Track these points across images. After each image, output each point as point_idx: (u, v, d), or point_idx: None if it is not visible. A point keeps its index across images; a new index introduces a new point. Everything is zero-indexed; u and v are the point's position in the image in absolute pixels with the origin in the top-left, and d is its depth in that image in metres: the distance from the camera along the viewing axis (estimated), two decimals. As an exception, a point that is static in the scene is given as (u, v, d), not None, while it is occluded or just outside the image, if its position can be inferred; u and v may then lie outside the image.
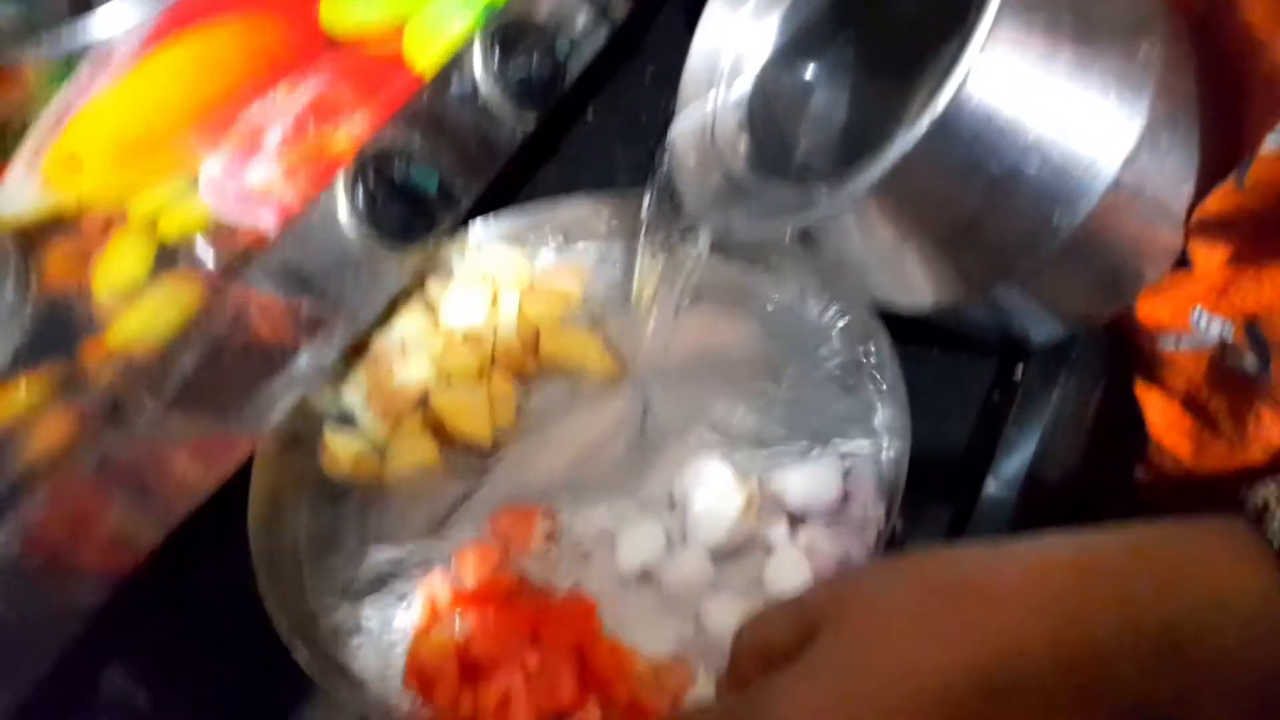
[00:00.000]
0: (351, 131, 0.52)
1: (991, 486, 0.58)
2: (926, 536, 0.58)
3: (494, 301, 0.69)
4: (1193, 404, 0.57)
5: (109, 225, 0.47)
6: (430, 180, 0.55)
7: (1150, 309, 0.56)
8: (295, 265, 0.49)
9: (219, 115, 0.52)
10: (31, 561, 0.41)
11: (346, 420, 0.66)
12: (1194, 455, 0.57)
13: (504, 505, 0.61)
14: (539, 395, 0.67)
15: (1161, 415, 0.58)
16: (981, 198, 0.50)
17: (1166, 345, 0.57)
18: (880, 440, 0.60)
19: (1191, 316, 0.54)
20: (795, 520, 0.58)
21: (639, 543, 0.57)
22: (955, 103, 0.46)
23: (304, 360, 0.51)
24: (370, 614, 0.58)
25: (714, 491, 0.58)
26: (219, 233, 0.47)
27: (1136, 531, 0.38)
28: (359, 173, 0.52)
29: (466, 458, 0.64)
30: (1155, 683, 0.34)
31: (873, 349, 0.62)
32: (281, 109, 0.52)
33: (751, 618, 0.43)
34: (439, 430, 0.64)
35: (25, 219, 0.48)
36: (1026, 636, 0.35)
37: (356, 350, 0.68)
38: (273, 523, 0.59)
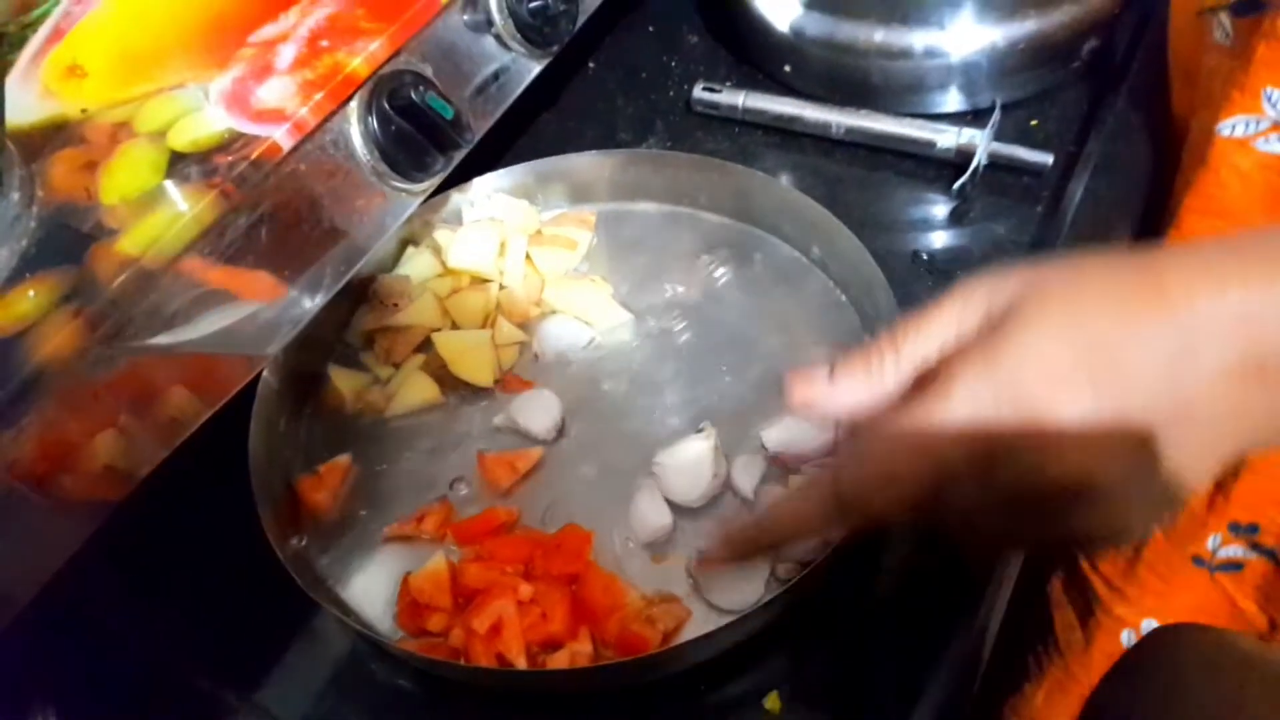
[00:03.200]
0: (367, 53, 0.50)
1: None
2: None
3: (501, 250, 0.68)
4: None
5: (116, 135, 0.46)
6: (445, 108, 0.53)
7: None
8: (306, 181, 0.48)
9: (229, 31, 0.50)
10: (30, 473, 0.40)
11: (350, 357, 0.66)
12: None
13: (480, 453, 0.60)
14: (541, 341, 0.66)
15: None
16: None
17: None
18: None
19: None
20: (790, 468, 0.57)
21: (649, 515, 0.57)
22: None
23: (308, 283, 0.49)
24: (366, 545, 0.58)
25: (689, 457, 0.57)
26: (230, 144, 0.45)
27: None
28: (374, 95, 0.50)
29: (468, 398, 0.64)
30: None
31: (874, 304, 0.62)
32: (296, 27, 0.50)
33: (904, 324, 0.38)
34: (441, 372, 0.63)
35: (25, 126, 0.46)
36: None
37: (362, 289, 0.67)
38: (273, 455, 0.58)
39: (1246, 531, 0.65)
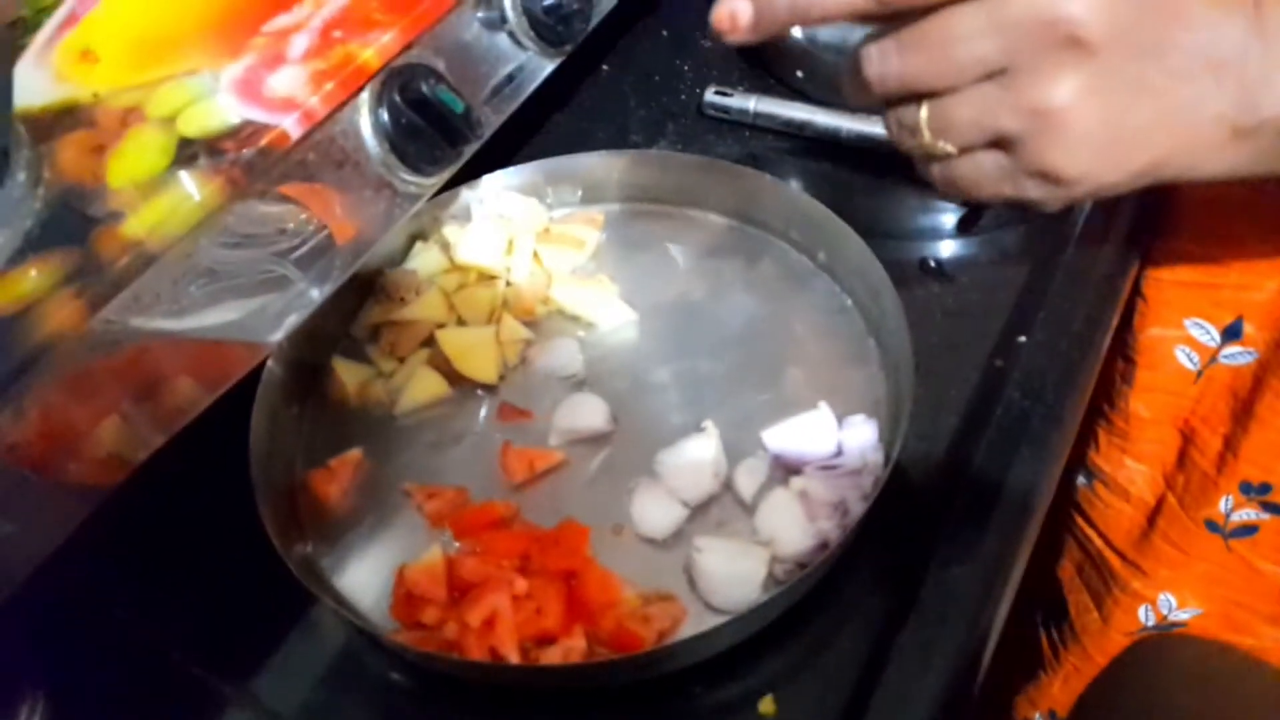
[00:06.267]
0: (379, 45, 0.50)
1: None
2: (921, 489, 0.58)
3: (509, 247, 0.68)
4: None
5: (126, 120, 0.46)
6: (455, 102, 0.53)
7: None
8: (314, 172, 0.48)
9: (243, 20, 0.50)
10: (28, 455, 0.40)
11: (355, 350, 0.66)
12: None
13: (507, 443, 0.60)
14: (546, 338, 0.66)
15: None
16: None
17: None
18: (880, 394, 0.61)
19: None
20: (792, 469, 0.57)
21: (656, 511, 0.57)
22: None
23: (314, 273, 0.49)
24: (362, 536, 0.58)
25: (690, 456, 0.57)
26: (240, 132, 0.45)
27: None
28: (385, 87, 0.50)
29: (473, 393, 0.64)
30: None
31: (880, 309, 0.62)
32: (309, 18, 0.50)
33: None
34: (446, 367, 0.63)
35: (35, 109, 0.47)
36: None
37: (370, 282, 0.67)
38: (274, 445, 0.58)
39: (1258, 492, 0.65)
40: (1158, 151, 0.39)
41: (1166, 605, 0.73)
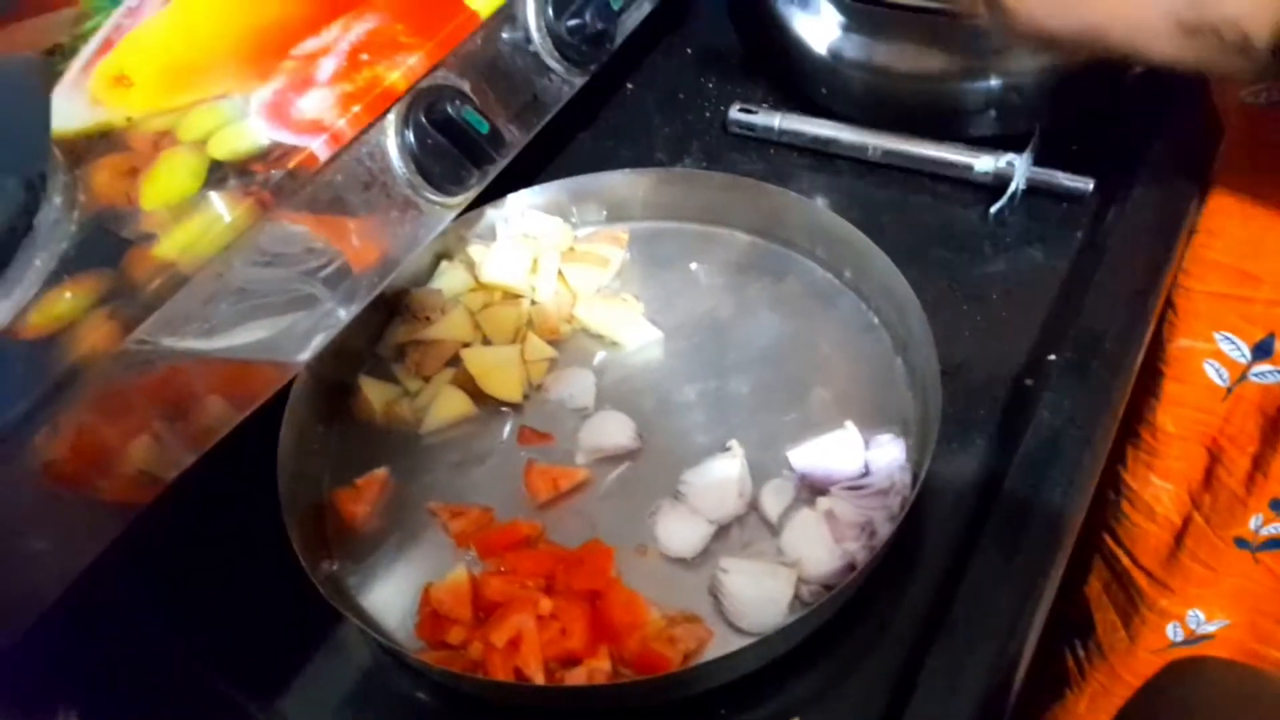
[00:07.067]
0: (406, 67, 0.51)
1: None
2: (950, 510, 0.57)
3: (534, 266, 0.69)
4: None
5: (158, 143, 0.47)
6: (481, 122, 0.54)
7: None
8: (342, 192, 0.48)
9: (272, 44, 0.51)
10: (63, 473, 0.40)
11: (381, 369, 0.66)
12: None
13: (531, 461, 0.60)
14: (571, 358, 0.66)
15: None
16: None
17: None
18: (908, 413, 0.60)
19: None
20: (818, 489, 0.57)
21: (681, 531, 0.56)
22: None
23: (341, 292, 0.50)
24: (389, 555, 0.58)
25: (716, 476, 0.57)
26: (269, 154, 0.46)
27: None
28: (411, 109, 0.51)
29: (497, 412, 0.64)
30: None
31: (907, 327, 0.61)
32: (337, 41, 0.51)
33: None
34: (471, 386, 0.64)
35: (71, 133, 0.48)
36: None
37: (396, 301, 0.68)
38: (302, 463, 0.59)
39: None
40: (1100, 18, 0.42)
41: (1195, 621, 0.72)
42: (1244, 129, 0.62)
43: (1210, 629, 0.72)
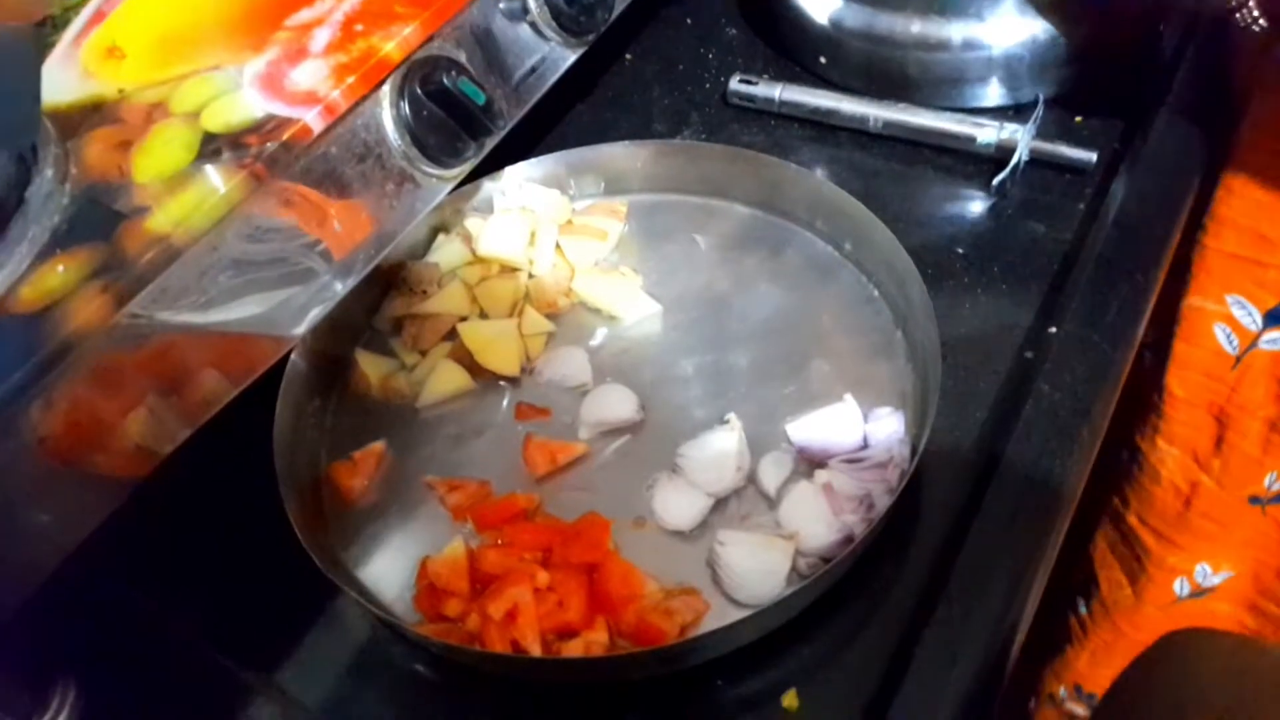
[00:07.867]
0: (401, 38, 0.50)
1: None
2: (948, 483, 0.57)
3: (531, 239, 0.68)
4: None
5: (151, 115, 0.46)
6: (477, 93, 0.53)
7: None
8: (336, 165, 0.48)
9: (266, 15, 0.50)
10: (58, 447, 0.40)
11: (378, 343, 0.66)
12: None
13: (529, 435, 0.60)
14: (569, 331, 0.66)
15: None
16: None
17: None
18: (907, 386, 0.60)
19: None
20: (817, 462, 0.57)
21: (679, 504, 0.56)
22: None
23: (338, 265, 0.50)
24: (386, 528, 0.58)
25: (713, 449, 0.57)
26: (263, 126, 0.45)
27: None
28: (406, 79, 0.50)
29: (495, 386, 0.64)
30: None
31: (907, 300, 0.61)
32: (331, 11, 0.50)
33: None
34: (468, 360, 0.63)
35: (63, 105, 0.47)
36: None
37: (392, 275, 0.67)
38: (298, 437, 0.59)
39: None
40: None
41: (1202, 574, 0.72)
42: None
43: (1215, 581, 0.72)
